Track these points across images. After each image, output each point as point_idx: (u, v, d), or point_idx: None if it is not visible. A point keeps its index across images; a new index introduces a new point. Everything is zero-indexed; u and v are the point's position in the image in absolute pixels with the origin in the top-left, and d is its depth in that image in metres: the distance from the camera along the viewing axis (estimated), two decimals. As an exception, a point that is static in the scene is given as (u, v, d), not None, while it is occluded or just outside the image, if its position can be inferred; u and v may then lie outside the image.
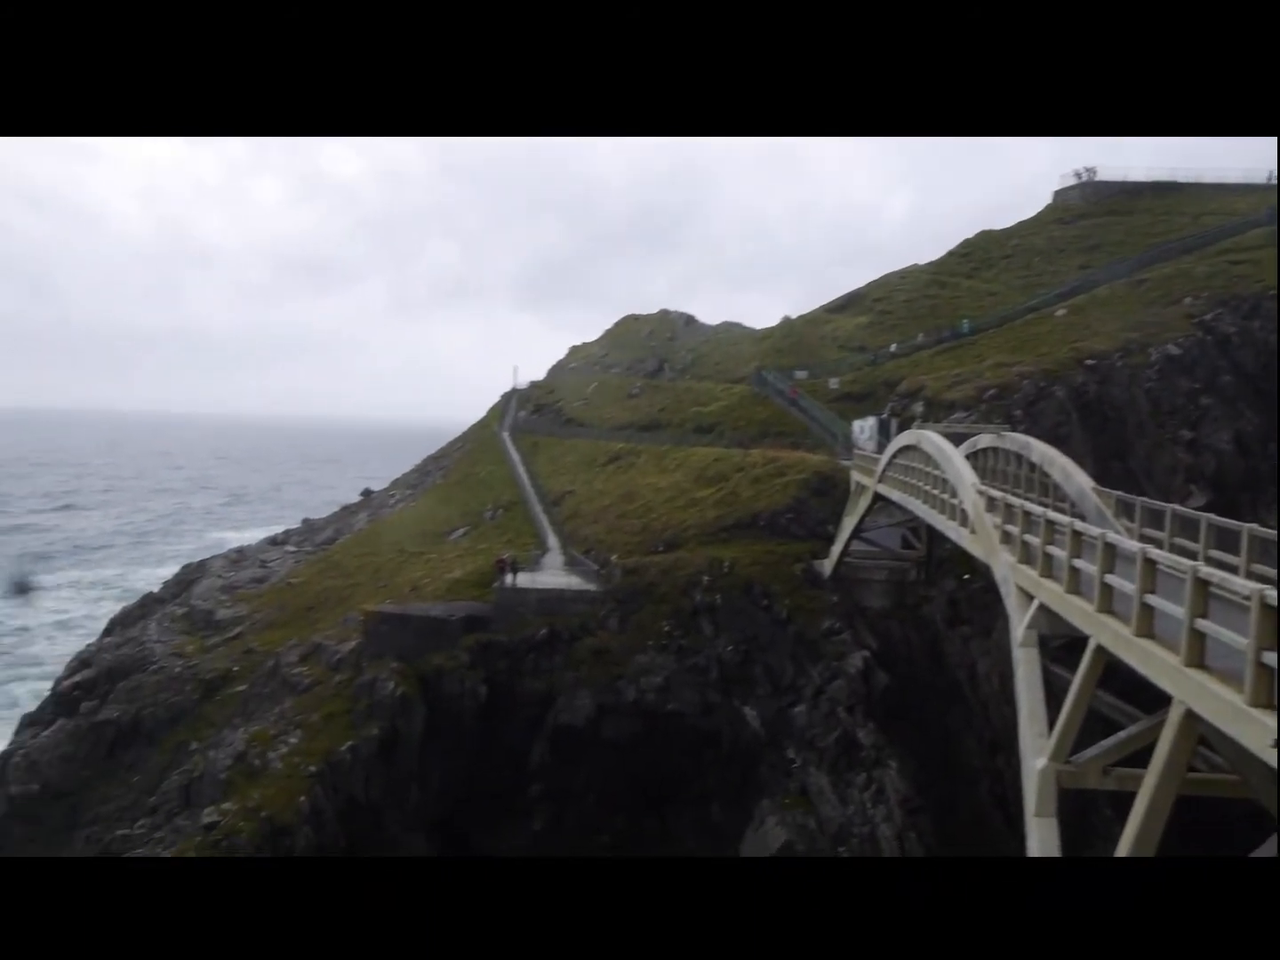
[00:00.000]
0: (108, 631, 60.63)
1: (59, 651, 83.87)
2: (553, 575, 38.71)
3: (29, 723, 45.58)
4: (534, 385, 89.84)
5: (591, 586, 36.34)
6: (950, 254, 72.42)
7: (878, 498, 31.26)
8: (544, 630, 33.82)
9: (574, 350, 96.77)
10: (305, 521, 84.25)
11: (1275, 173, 60.15)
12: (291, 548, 69.73)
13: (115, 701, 40.60)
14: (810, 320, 72.99)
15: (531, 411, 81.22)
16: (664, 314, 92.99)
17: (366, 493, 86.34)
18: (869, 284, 74.03)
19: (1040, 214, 72.61)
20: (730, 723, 31.79)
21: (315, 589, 49.91)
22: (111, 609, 77.02)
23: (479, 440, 79.82)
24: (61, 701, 44.25)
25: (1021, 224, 72.26)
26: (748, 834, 29.81)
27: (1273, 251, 47.63)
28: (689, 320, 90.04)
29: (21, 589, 45.01)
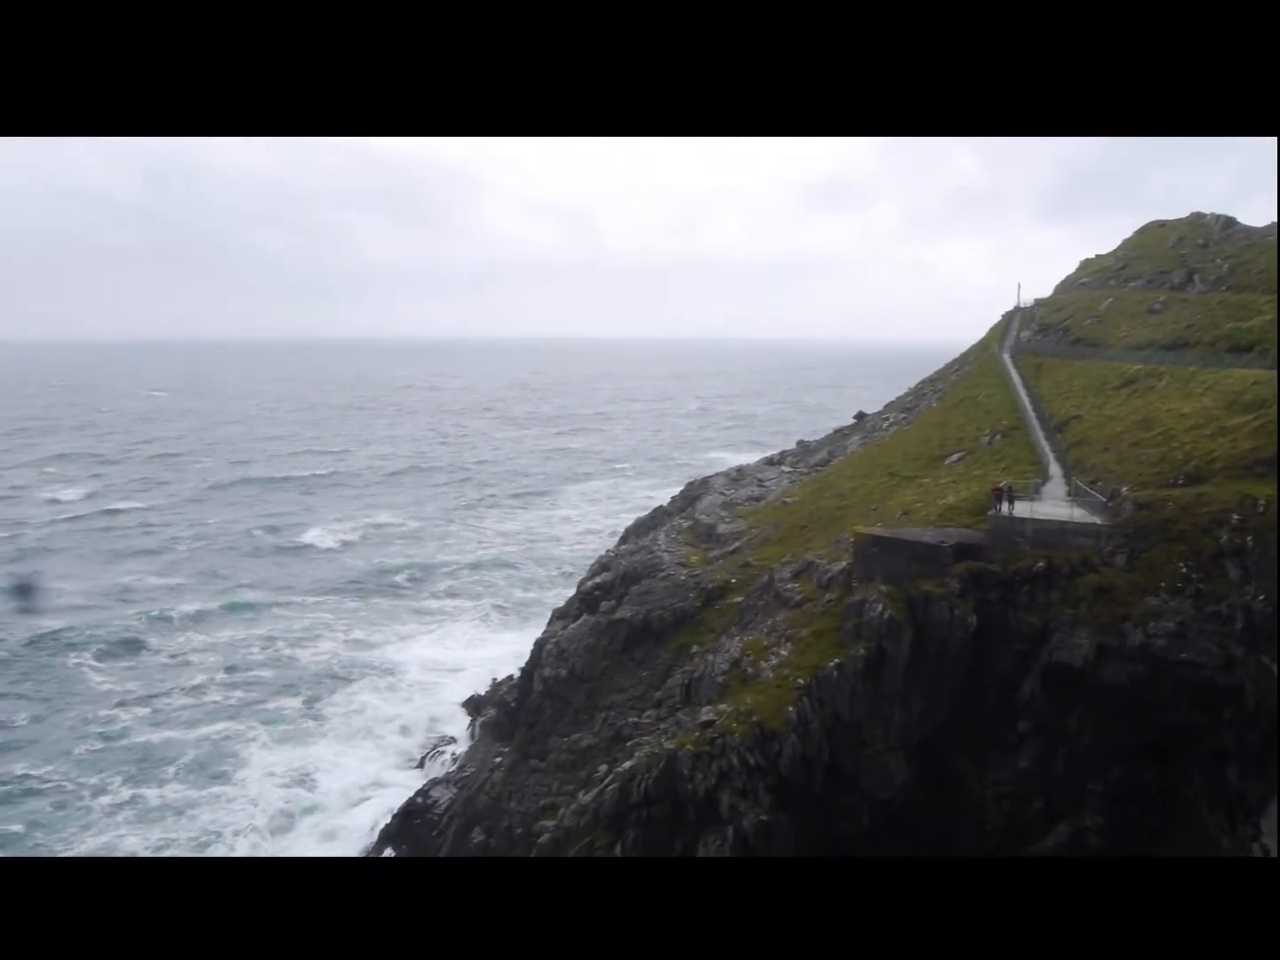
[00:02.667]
0: (623, 539, 67.31)
1: (578, 554, 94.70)
2: (1053, 505, 36.39)
3: (558, 616, 52.12)
4: (1039, 303, 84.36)
5: (1096, 520, 33.68)
6: None
7: None
8: (1041, 563, 31.99)
9: (1085, 264, 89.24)
10: (800, 443, 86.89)
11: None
12: (787, 468, 72.32)
13: (629, 603, 44.97)
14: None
15: (1036, 331, 76.42)
16: (1196, 218, 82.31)
17: (860, 415, 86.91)
18: None
19: None
20: (1256, 680, 28.15)
21: (808, 509, 51.37)
22: (627, 519, 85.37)
23: (978, 362, 76.80)
24: (584, 599, 49.94)
25: None
26: (1272, 808, 26.43)
27: None
28: (1228, 223, 78.59)
29: (23, 592, 49.79)
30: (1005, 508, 34.52)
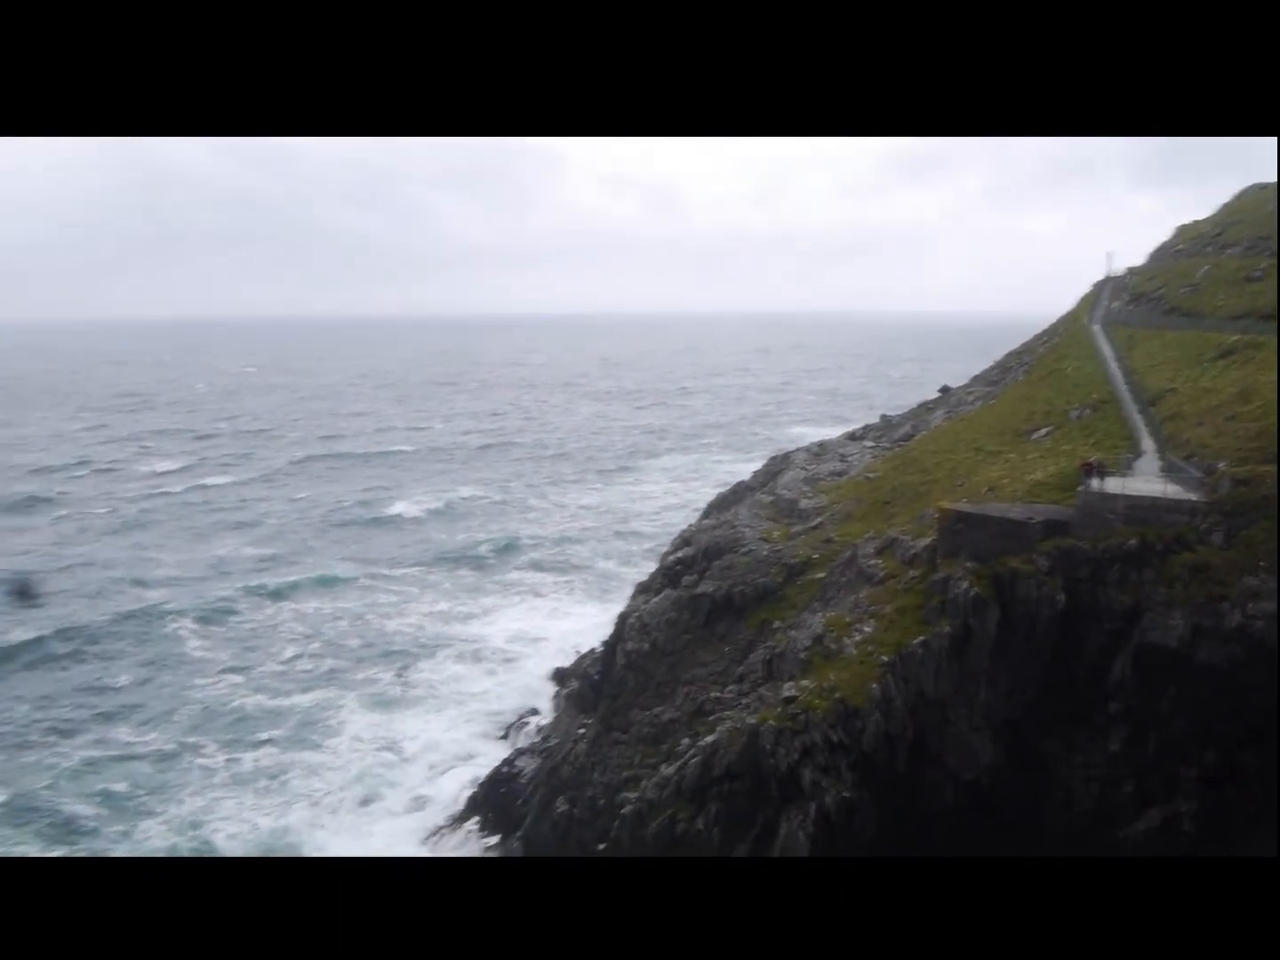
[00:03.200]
0: (705, 514, 67.39)
1: (660, 528, 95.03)
2: (1145, 481, 35.49)
3: (641, 590, 52.46)
4: (1132, 272, 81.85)
5: (1191, 496, 32.77)
6: None
7: None
8: (1133, 540, 31.28)
9: (1181, 230, 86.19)
10: (883, 418, 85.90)
11: None
12: (869, 443, 71.58)
13: (711, 577, 45.09)
14: None
15: (1128, 301, 74.21)
16: (1300, 181, 78.92)
17: (944, 389, 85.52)
18: None
19: None
20: (1362, 663, 27.24)
21: (892, 484, 50.85)
22: (708, 494, 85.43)
23: (1066, 333, 74.92)
24: (667, 573, 50.19)
25: None
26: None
27: None
28: (1334, 186, 75.26)
29: (24, 594, 50.01)
30: (1096, 483, 33.78)
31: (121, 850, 45.10)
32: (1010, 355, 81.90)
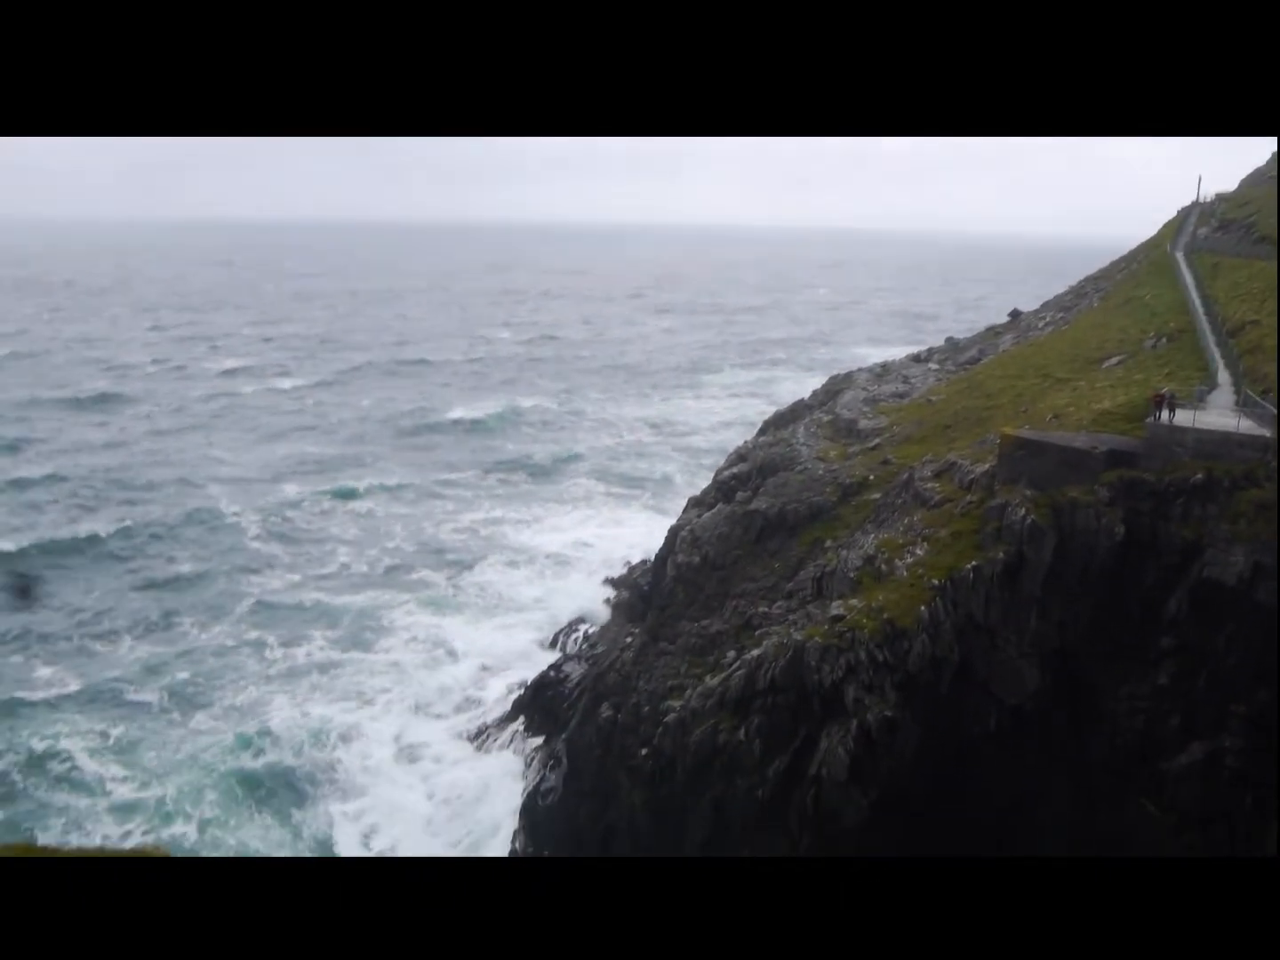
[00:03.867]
0: (762, 431, 66.92)
1: (716, 444, 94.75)
2: (1218, 415, 34.42)
3: (694, 503, 52.48)
4: (1221, 198, 78.51)
5: (1265, 432, 31.73)
6: None
7: None
8: (1199, 475, 30.45)
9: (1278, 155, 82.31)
10: (949, 340, 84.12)
11: None
12: (934, 365, 70.24)
13: (765, 494, 44.91)
14: None
15: (1215, 228, 71.32)
16: None
17: (1014, 314, 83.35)
18: None
19: None
20: None
21: (954, 408, 49.95)
22: (766, 411, 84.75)
23: (1147, 260, 72.36)
24: (721, 488, 50.11)
25: None
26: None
27: None
28: None
29: (23, 592, 50.02)
30: (1165, 415, 32.84)
31: (179, 735, 47.08)
32: (1086, 280, 79.41)
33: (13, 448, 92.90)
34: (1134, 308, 58.51)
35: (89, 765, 43.77)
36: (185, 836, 39.14)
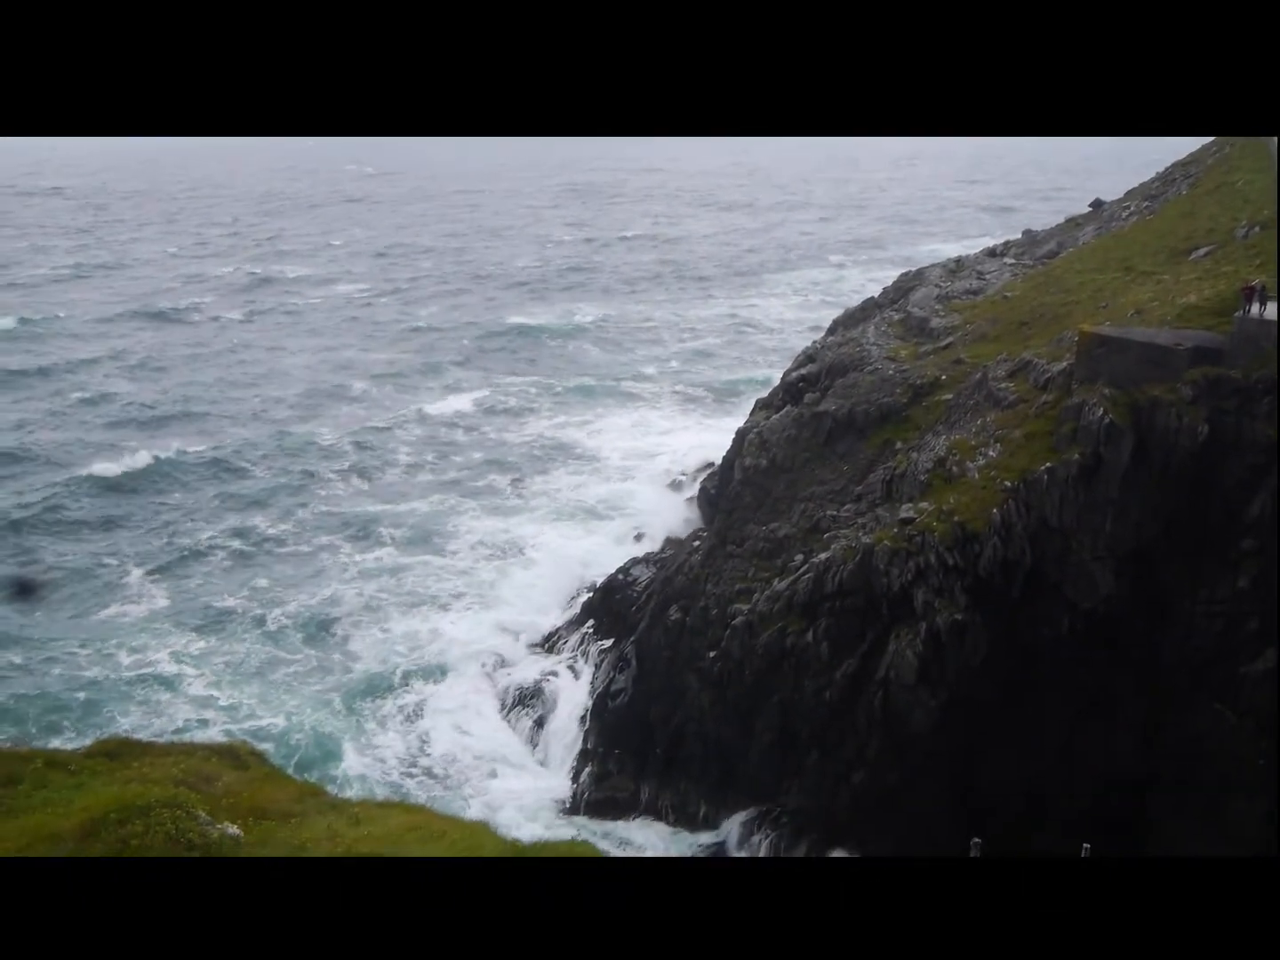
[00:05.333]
0: (831, 330, 65.67)
1: (784, 344, 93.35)
2: (1312, 307, 32.80)
3: (761, 406, 51.92)
4: (1324, 73, 73.71)
5: (1363, 325, 30.18)
6: None
7: None
8: (1290, 371, 29.20)
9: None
10: (1026, 233, 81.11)
11: None
12: (1010, 260, 67.93)
13: (834, 395, 44.18)
14: None
15: (1315, 107, 67.15)
16: None
17: (1096, 203, 79.88)
18: None
19: None
20: None
21: (1030, 304, 48.35)
22: (835, 310, 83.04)
23: (1241, 144, 68.54)
24: (789, 390, 49.40)
25: None
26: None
27: None
28: None
29: (25, 590, 49.52)
30: (1256, 309, 31.36)
31: (258, 635, 48.65)
32: (1174, 166, 75.60)
33: (93, 361, 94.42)
34: (1225, 194, 55.63)
35: (170, 668, 45.49)
36: (273, 725, 41.17)
